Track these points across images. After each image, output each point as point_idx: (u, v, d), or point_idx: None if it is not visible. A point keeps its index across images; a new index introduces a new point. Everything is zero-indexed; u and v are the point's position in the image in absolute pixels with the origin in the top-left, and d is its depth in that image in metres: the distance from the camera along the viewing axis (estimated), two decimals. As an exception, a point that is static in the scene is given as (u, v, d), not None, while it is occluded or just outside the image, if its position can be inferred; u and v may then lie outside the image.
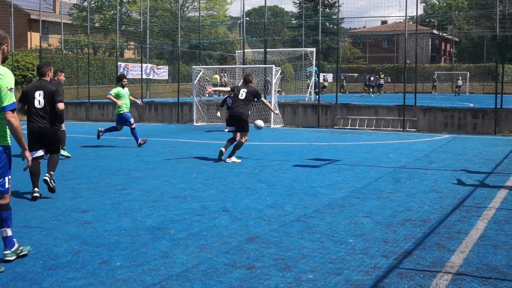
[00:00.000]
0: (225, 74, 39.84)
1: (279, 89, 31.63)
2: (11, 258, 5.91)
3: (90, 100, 31.31)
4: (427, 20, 75.64)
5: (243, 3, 28.92)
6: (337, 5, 38.34)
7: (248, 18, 48.34)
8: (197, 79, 26.64)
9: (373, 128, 23.24)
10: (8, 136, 5.85)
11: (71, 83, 37.34)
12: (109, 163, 13.28)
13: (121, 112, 16.56)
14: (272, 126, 24.20)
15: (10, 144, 5.87)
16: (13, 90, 5.71)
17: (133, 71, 33.90)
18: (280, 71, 26.97)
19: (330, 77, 51.93)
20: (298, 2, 73.60)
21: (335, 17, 52.95)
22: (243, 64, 29.64)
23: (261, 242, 6.61)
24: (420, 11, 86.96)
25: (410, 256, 6.13)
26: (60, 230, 7.16)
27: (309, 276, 5.47)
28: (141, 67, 32.40)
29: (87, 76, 34.63)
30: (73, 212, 8.20)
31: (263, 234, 6.98)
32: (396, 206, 8.65)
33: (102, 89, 38.95)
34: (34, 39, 49.20)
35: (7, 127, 5.75)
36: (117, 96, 16.46)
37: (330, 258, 6.02)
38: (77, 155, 14.85)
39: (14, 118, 5.68)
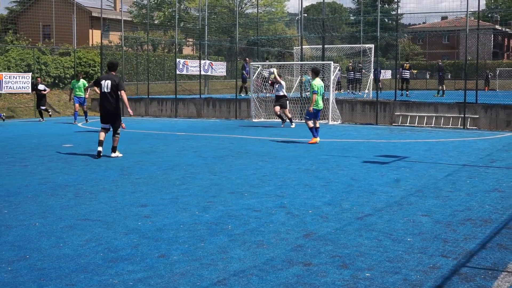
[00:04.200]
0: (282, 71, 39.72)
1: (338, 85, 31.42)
2: None
3: (149, 96, 31.74)
4: (489, 15, 73.96)
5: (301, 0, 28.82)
6: (396, 0, 37.80)
7: (306, 15, 48.20)
8: (255, 75, 26.71)
9: (432, 125, 22.88)
10: None
11: (130, 79, 37.88)
12: (168, 159, 13.44)
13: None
14: (330, 122, 24.08)
15: None
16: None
17: (192, 67, 34.20)
18: (338, 68, 26.78)
19: (388, 73, 51.31)
20: (356, -2, 72.96)
21: (394, 13, 52.28)
22: (300, 61, 29.57)
23: (318, 239, 6.59)
24: (482, 6, 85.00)
25: (470, 256, 6.01)
26: (120, 224, 7.29)
27: (367, 274, 5.43)
28: (200, 64, 32.65)
29: (146, 72, 35.10)
30: (132, 206, 8.34)
31: (320, 231, 6.96)
32: (456, 205, 8.49)
33: (161, 85, 39.43)
34: (95, 36, 50.15)
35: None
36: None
37: (388, 257, 5.96)
38: (135, 150, 15.09)
39: None
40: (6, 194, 9.31)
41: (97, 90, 14.42)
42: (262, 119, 26.23)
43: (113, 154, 13.67)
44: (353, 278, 5.32)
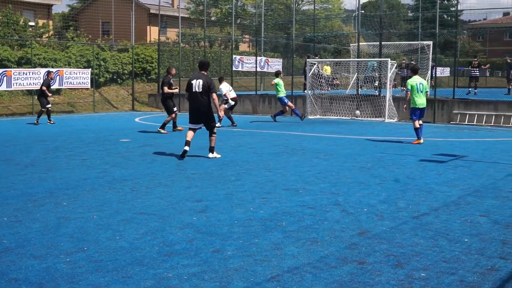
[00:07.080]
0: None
1: (394, 82, 31.05)
2: None
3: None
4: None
5: (359, -4, 28.61)
6: (456, -4, 37.08)
7: (363, 11, 47.78)
8: (311, 72, 26.62)
9: (492, 124, 22.38)
10: None
11: (187, 75, 38.20)
12: (223, 155, 13.51)
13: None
14: (386, 120, 23.83)
15: None
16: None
17: (248, 64, 34.31)
18: (395, 65, 26.46)
19: (447, 71, 50.45)
20: (415, -6, 71.88)
21: (453, 9, 51.33)
22: (357, 58, 29.34)
23: (373, 238, 6.53)
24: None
25: (530, 258, 5.87)
26: (175, 218, 7.37)
27: (422, 274, 5.35)
28: (256, 60, 32.71)
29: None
30: (188, 201, 8.42)
31: (375, 229, 6.90)
32: (515, 206, 8.29)
33: (217, 81, 39.68)
34: (153, 33, 50.78)
35: None
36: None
37: (444, 257, 5.87)
38: (191, 145, 15.21)
39: None
40: (66, 187, 9.53)
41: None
42: (318, 116, 26.14)
43: (210, 155, 13.02)
44: (408, 278, 5.25)
